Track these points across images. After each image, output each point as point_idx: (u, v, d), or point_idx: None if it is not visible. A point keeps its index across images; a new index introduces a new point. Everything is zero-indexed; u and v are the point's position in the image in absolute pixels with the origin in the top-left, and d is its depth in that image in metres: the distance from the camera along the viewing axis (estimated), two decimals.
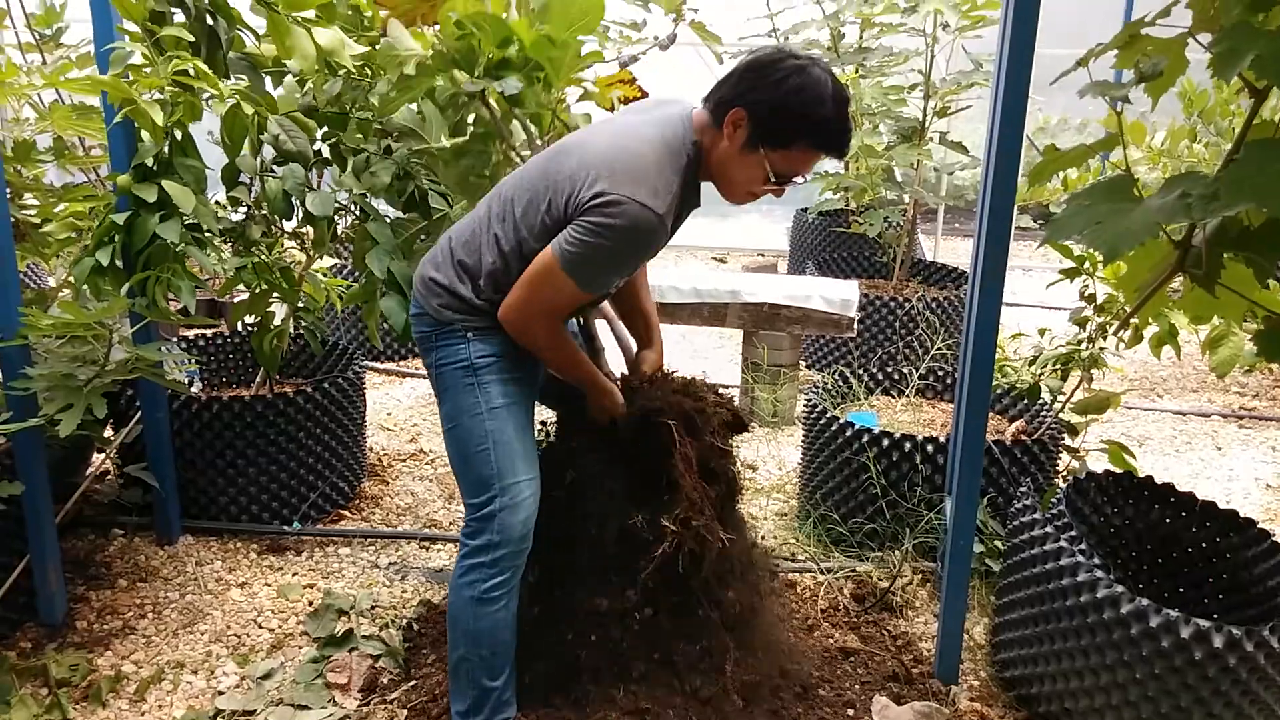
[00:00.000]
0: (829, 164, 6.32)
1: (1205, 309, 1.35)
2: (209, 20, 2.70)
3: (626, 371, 2.33)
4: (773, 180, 1.96)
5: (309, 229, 3.11)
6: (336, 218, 3.02)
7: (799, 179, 1.99)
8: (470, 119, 2.77)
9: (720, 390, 2.36)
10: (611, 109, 2.98)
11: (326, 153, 2.96)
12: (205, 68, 2.51)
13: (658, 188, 1.87)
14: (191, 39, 2.59)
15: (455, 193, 2.84)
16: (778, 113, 1.89)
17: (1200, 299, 1.30)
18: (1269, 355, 1.23)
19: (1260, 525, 2.51)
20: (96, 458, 3.36)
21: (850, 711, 2.34)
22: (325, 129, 2.87)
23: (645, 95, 3.03)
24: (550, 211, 1.93)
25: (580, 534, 2.23)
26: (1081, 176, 4.64)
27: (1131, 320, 1.67)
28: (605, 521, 2.20)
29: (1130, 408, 4.64)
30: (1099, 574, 2.18)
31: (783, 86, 1.88)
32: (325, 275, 3.51)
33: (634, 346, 2.39)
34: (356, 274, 3.06)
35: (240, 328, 3.85)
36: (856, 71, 5.00)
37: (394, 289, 2.82)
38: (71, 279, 2.96)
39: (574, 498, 2.24)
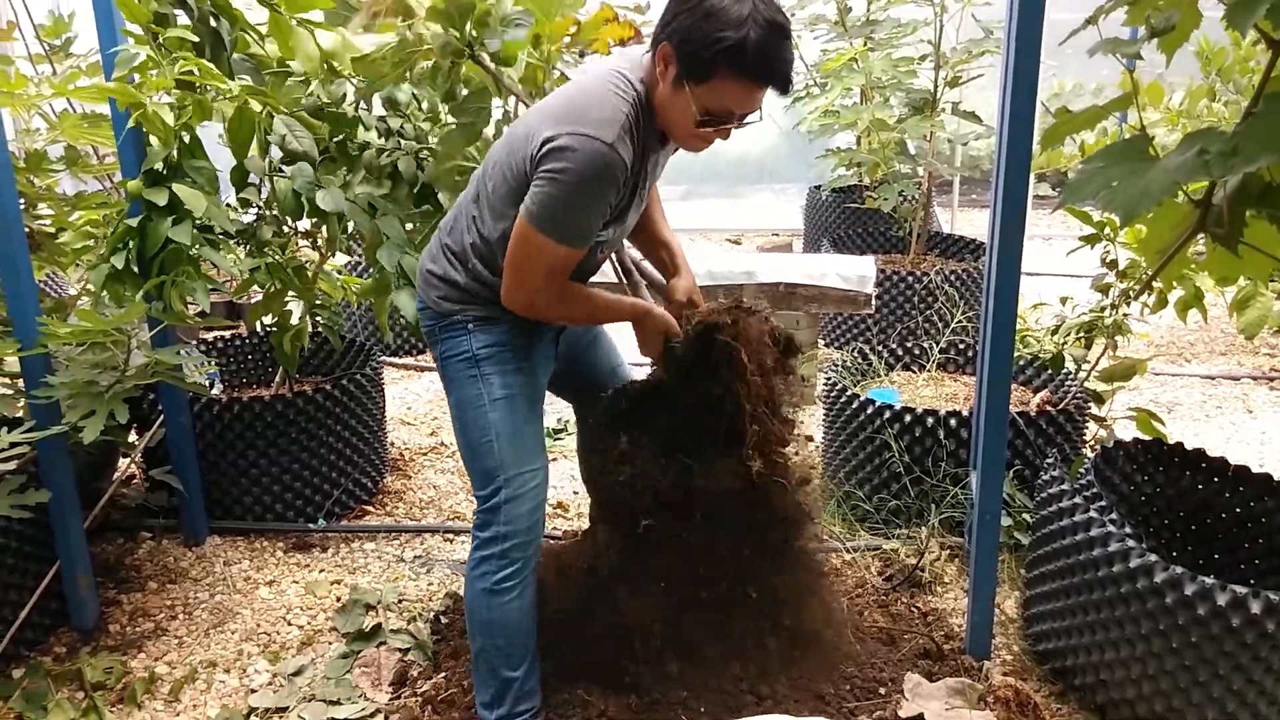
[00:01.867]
0: (842, 139, 6.28)
1: (1229, 269, 1.32)
2: (212, 22, 2.70)
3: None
4: (700, 119, 1.82)
5: (322, 228, 3.11)
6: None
7: (748, 119, 1.86)
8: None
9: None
10: (607, 51, 2.96)
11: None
12: (211, 66, 2.51)
13: (603, 118, 1.78)
14: (195, 40, 2.59)
15: (455, 156, 2.82)
16: (694, 41, 1.75)
17: (1224, 259, 1.26)
18: None
19: None
20: (122, 462, 3.38)
21: (882, 690, 2.32)
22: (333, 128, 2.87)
23: (637, 33, 2.99)
24: (514, 174, 1.89)
25: (639, 506, 2.15)
26: (1099, 141, 4.57)
27: (1154, 283, 1.63)
28: (666, 487, 2.12)
29: (1157, 374, 4.58)
30: (1131, 543, 2.15)
31: (697, 13, 1.74)
32: (340, 273, 3.51)
33: (663, 280, 2.31)
34: (370, 270, 3.06)
35: (259, 328, 3.87)
36: (865, 44, 4.94)
37: (407, 283, 2.82)
38: (90, 286, 2.98)
39: (630, 470, 2.15)
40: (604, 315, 2.09)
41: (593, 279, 2.16)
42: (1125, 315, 3.05)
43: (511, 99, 2.82)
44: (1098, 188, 1.13)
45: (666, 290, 2.26)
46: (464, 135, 2.78)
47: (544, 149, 1.79)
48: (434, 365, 4.85)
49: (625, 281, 2.31)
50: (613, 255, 2.30)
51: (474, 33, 2.52)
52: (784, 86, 1.81)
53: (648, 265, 2.37)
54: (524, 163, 1.85)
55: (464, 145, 2.80)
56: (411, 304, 2.84)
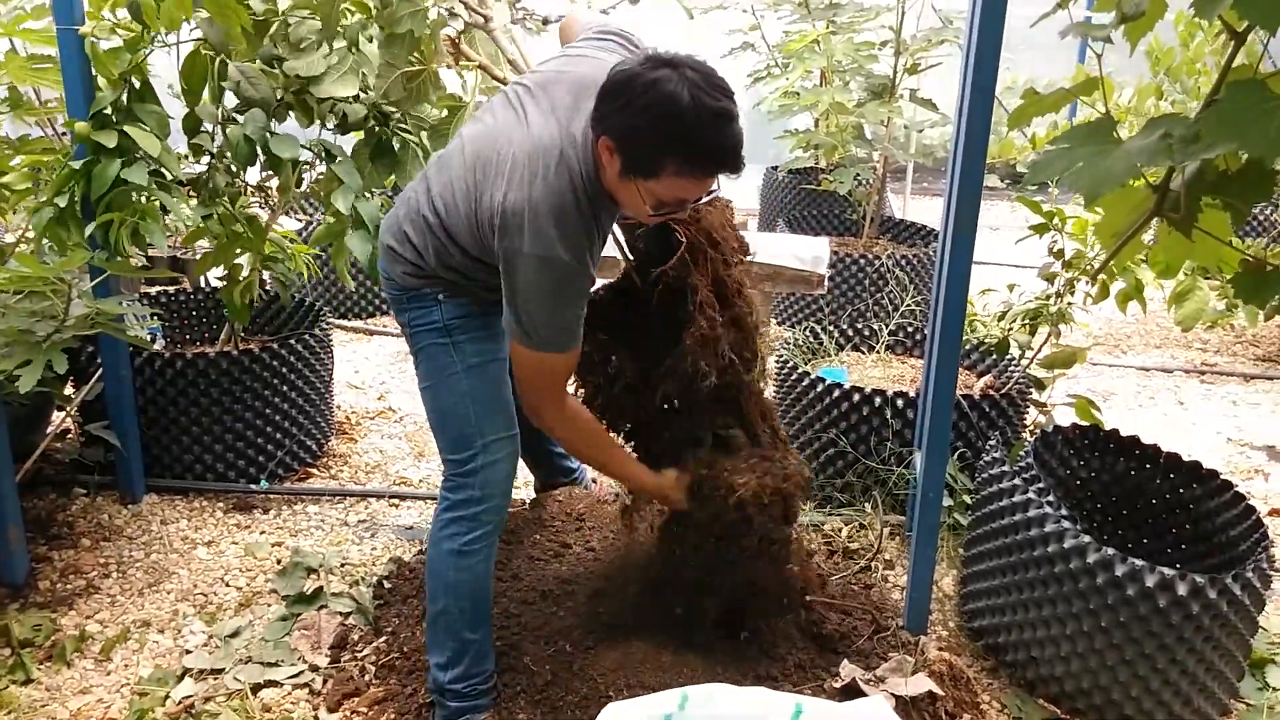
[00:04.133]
0: (800, 121, 6.31)
1: (1179, 254, 1.36)
2: None
3: None
4: (654, 211, 1.80)
5: (274, 181, 3.04)
6: (303, 170, 2.95)
7: (700, 200, 1.83)
8: None
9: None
10: None
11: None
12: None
13: (560, 235, 1.76)
14: None
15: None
16: (636, 139, 1.70)
17: (1175, 244, 1.30)
18: (1244, 297, 1.24)
19: (1222, 476, 2.55)
20: (57, 415, 3.29)
21: (820, 662, 2.35)
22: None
23: None
24: (482, 240, 1.89)
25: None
26: (1049, 133, 4.65)
27: (1108, 267, 1.66)
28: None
29: (1095, 363, 4.69)
30: (1066, 524, 2.20)
31: (632, 109, 1.68)
32: (293, 240, 3.42)
33: None
34: (325, 216, 3.00)
35: (204, 283, 3.78)
36: (828, 27, 4.95)
37: (360, 226, 2.77)
38: (30, 234, 2.89)
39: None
40: (613, 469, 2.14)
41: None
42: (1069, 304, 3.12)
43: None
44: (1062, 168, 1.16)
45: None
46: (402, 48, 2.72)
47: (504, 257, 1.81)
48: (384, 330, 4.82)
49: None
50: None
51: None
52: (736, 169, 1.76)
53: None
54: (491, 245, 1.86)
55: (406, 54, 2.73)
56: (366, 246, 2.79)
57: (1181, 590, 2.05)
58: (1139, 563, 2.09)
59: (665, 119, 1.66)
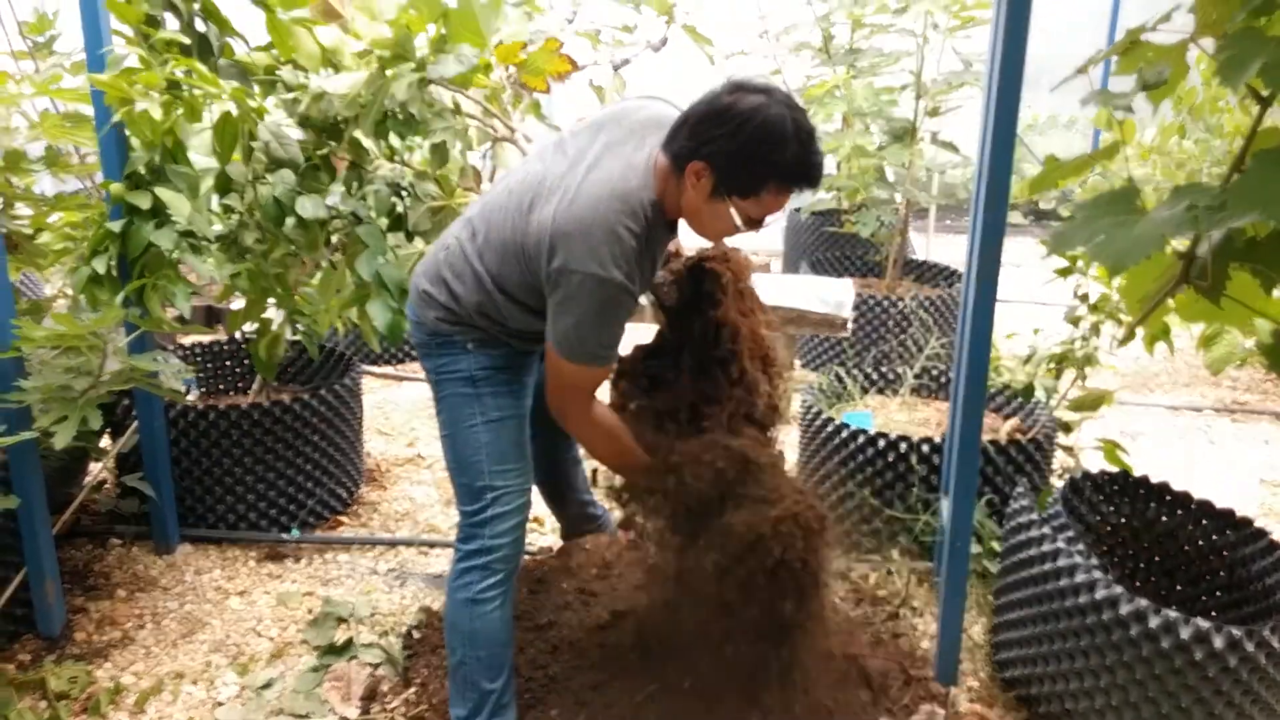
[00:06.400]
0: None
1: (1207, 317, 1.36)
2: (199, 25, 2.69)
3: None
4: (743, 226, 1.90)
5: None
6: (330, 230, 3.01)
7: (772, 217, 1.94)
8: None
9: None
10: (546, 90, 3.14)
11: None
12: (203, 68, 2.50)
13: (614, 254, 1.82)
14: (185, 42, 2.59)
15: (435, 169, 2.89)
16: (741, 162, 1.81)
17: (1202, 308, 1.30)
18: (1278, 368, 1.23)
19: (1256, 523, 2.53)
20: (93, 467, 3.34)
21: (852, 711, 2.33)
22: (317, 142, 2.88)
23: (574, 65, 3.09)
24: (527, 269, 1.94)
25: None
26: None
27: (1135, 330, 1.67)
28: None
29: (1123, 403, 4.65)
30: (1097, 574, 2.18)
31: (741, 135, 1.79)
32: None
33: None
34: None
35: (238, 335, 3.84)
36: (848, 72, 5.00)
37: (383, 292, 2.82)
38: (67, 289, 2.95)
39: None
40: (627, 472, 2.14)
41: None
42: (1095, 347, 3.11)
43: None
44: (1087, 237, 1.17)
45: None
46: (437, 157, 2.83)
47: (556, 275, 1.86)
48: (414, 376, 4.85)
49: None
50: None
51: (430, 58, 2.59)
52: (820, 183, 1.90)
53: None
54: (538, 272, 1.91)
55: (439, 166, 2.86)
56: (384, 313, 2.83)
57: (1218, 643, 2.02)
58: (1173, 614, 2.06)
59: (773, 141, 1.78)
